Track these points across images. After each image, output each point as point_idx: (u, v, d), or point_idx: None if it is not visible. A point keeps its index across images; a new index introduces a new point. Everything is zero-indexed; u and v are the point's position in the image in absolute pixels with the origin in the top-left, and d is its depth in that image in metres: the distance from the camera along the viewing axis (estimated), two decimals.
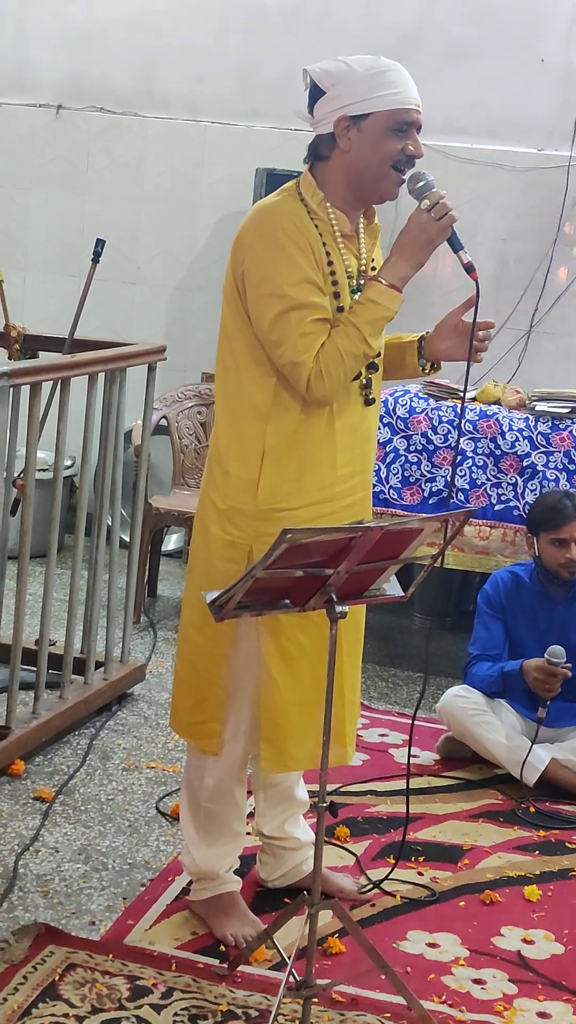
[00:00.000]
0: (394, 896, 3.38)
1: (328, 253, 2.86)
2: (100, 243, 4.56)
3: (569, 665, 4.03)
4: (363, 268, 2.95)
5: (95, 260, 4.56)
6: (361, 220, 2.97)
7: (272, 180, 5.69)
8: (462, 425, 4.88)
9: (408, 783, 3.21)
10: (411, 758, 4.25)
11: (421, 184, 2.86)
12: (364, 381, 2.96)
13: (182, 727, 3.16)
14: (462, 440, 4.95)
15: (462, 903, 3.39)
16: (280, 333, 2.82)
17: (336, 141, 2.85)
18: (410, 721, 4.56)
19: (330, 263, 2.86)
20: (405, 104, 2.81)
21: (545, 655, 4.04)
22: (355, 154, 2.84)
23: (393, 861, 3.51)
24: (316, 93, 2.86)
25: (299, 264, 2.81)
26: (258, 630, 2.96)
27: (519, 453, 4.91)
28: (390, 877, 3.42)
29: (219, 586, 2.87)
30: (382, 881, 3.40)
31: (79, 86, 6.57)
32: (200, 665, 3.05)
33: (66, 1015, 2.76)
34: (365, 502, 3.06)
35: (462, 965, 3.11)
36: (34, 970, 2.90)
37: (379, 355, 2.99)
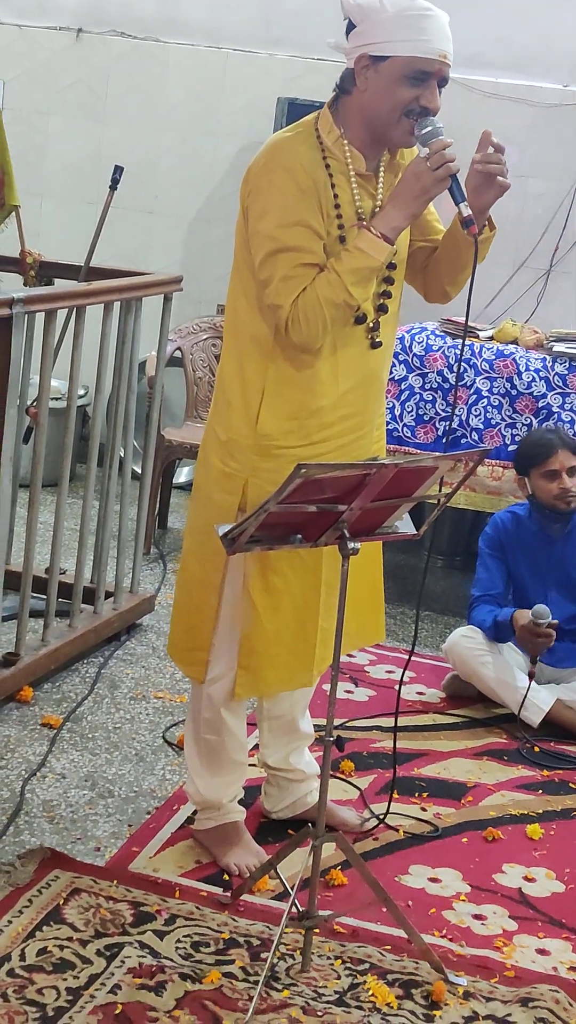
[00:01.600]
0: (397, 831, 3.41)
1: (336, 195, 2.80)
2: (118, 170, 4.52)
3: (555, 622, 4.02)
4: (377, 209, 2.88)
5: (113, 187, 4.53)
6: (384, 156, 2.90)
7: (293, 110, 5.62)
8: (479, 364, 4.85)
9: (396, 720, 3.26)
10: (418, 695, 4.29)
11: (426, 131, 2.74)
12: (371, 324, 2.91)
13: (175, 652, 3.20)
14: (478, 379, 4.93)
15: (464, 839, 3.42)
16: (267, 273, 2.79)
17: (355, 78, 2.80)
18: (419, 659, 4.59)
19: (337, 205, 2.80)
20: (426, 53, 2.71)
21: (531, 615, 4.03)
22: (369, 95, 2.77)
23: (398, 796, 3.54)
24: (351, 25, 2.79)
25: (295, 205, 2.75)
26: (246, 563, 2.97)
27: (535, 394, 4.88)
28: (393, 812, 3.45)
29: (216, 517, 2.90)
30: (384, 815, 3.42)
31: (100, 10, 6.48)
32: (194, 593, 3.08)
33: (70, 939, 2.79)
34: (365, 440, 3.01)
35: (463, 900, 3.14)
36: (39, 894, 2.93)
37: (390, 296, 2.94)
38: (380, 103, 2.76)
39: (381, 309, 2.92)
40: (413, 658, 4.56)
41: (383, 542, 3.22)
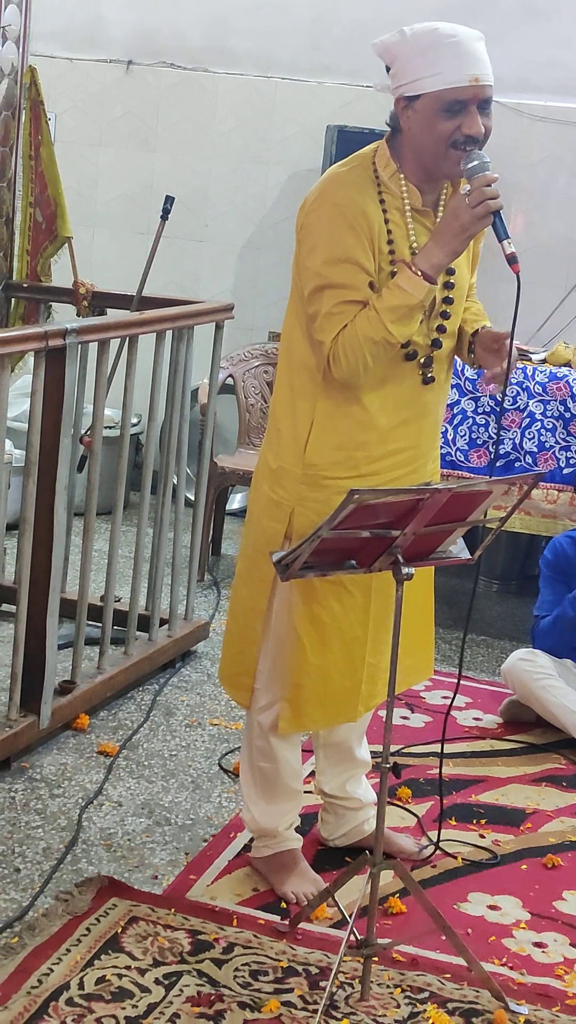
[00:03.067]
0: (455, 858, 3.38)
1: (390, 231, 2.79)
2: (169, 200, 4.55)
3: None
4: None
5: (164, 217, 4.56)
6: (446, 190, 2.89)
7: (343, 137, 5.63)
8: (532, 387, 4.83)
9: (443, 746, 3.22)
10: (475, 721, 4.27)
11: (472, 165, 2.71)
12: (423, 360, 2.88)
13: (223, 677, 3.21)
14: (531, 402, 4.91)
15: (524, 866, 3.39)
16: (314, 308, 2.80)
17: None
18: (476, 685, 4.57)
19: (390, 240, 2.79)
20: (454, 83, 2.68)
21: None
22: (413, 134, 2.76)
23: (456, 823, 3.52)
24: (387, 67, 2.80)
25: (343, 242, 2.74)
26: (291, 593, 2.96)
27: None
28: (452, 839, 3.43)
29: (263, 544, 2.91)
30: (437, 842, 3.39)
31: (150, 42, 6.54)
32: (242, 618, 3.09)
33: (128, 967, 2.79)
34: (417, 474, 2.98)
35: (523, 928, 3.11)
36: (97, 922, 2.94)
37: (444, 331, 2.90)
38: (424, 139, 2.75)
39: (435, 344, 2.90)
40: (471, 684, 4.58)
41: (435, 582, 3.21)
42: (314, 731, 3.25)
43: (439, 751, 3.98)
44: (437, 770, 3.81)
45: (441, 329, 2.90)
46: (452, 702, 3.21)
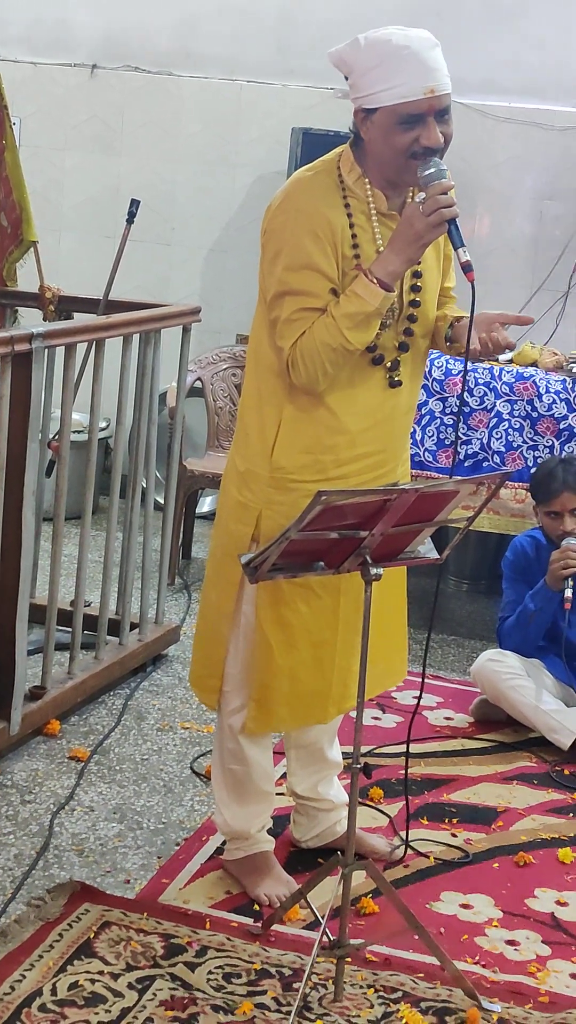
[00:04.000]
0: (427, 857, 3.39)
1: (355, 235, 2.79)
2: (135, 204, 4.54)
3: None
4: None
5: (130, 221, 4.55)
6: (411, 193, 2.87)
7: (308, 140, 5.64)
8: (498, 387, 4.84)
9: (408, 746, 3.21)
10: (446, 720, 4.28)
11: (427, 173, 2.70)
12: (390, 364, 2.89)
13: (192, 679, 3.21)
14: (498, 402, 4.92)
15: (496, 865, 3.40)
16: (275, 314, 2.81)
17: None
18: (447, 684, 4.58)
19: (355, 245, 2.79)
20: (409, 96, 2.66)
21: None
22: (373, 144, 2.76)
23: (428, 822, 3.53)
24: (346, 77, 2.79)
25: (305, 248, 2.74)
26: (258, 596, 2.96)
27: (556, 415, 4.87)
28: (424, 838, 3.44)
29: (231, 547, 2.92)
30: (406, 842, 3.40)
31: (114, 46, 6.53)
32: (210, 620, 3.10)
33: (101, 972, 2.78)
34: (387, 477, 2.99)
35: (495, 926, 3.12)
36: (69, 928, 2.93)
37: (412, 335, 2.90)
38: (383, 151, 2.75)
39: (402, 348, 2.90)
40: (442, 683, 4.59)
41: (407, 590, 3.22)
42: (285, 732, 3.25)
43: (412, 751, 3.99)
44: (408, 770, 3.83)
45: (408, 332, 2.90)
46: (419, 702, 3.21)
